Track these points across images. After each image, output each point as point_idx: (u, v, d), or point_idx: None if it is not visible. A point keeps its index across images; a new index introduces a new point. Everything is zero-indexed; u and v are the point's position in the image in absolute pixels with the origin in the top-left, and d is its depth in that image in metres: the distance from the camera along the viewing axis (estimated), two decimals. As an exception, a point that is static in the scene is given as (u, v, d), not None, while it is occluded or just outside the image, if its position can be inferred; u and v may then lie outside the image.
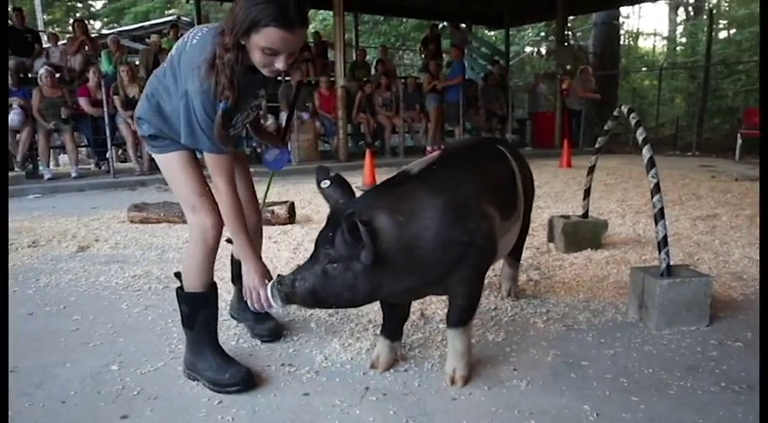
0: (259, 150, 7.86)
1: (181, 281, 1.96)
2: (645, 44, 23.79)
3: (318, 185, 1.77)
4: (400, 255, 1.66)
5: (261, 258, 1.90)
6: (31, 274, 3.23)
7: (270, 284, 1.77)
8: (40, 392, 1.88)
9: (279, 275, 1.76)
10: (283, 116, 8.49)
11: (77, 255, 3.68)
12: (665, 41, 22.60)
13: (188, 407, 1.78)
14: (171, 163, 1.86)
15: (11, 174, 7.43)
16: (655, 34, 23.77)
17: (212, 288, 1.94)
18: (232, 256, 2.32)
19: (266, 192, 2.48)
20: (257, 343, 2.25)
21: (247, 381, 1.87)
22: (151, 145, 1.89)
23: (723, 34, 18.09)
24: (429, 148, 9.58)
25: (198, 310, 1.92)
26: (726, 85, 14.51)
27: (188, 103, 1.67)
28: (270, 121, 8.21)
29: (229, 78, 1.61)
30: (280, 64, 1.63)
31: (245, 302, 2.28)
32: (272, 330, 2.28)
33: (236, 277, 2.30)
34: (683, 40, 20.49)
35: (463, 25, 13.39)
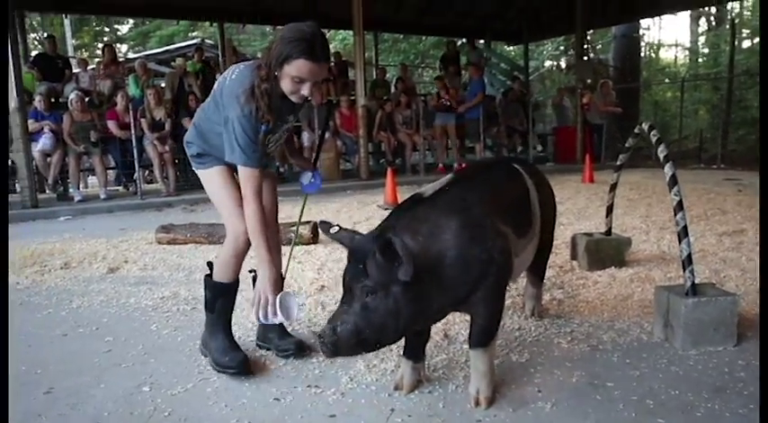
0: (282, 170, 7.99)
1: (211, 270, 2.27)
2: (666, 55, 23.63)
3: (328, 234, 1.80)
4: (429, 273, 1.70)
5: (278, 268, 2.11)
6: (64, 296, 3.33)
7: (279, 296, 1.89)
8: (75, 413, 1.94)
9: (316, 333, 1.75)
10: (305, 136, 8.62)
11: (108, 276, 3.78)
12: (686, 52, 22.43)
13: (218, 428, 1.82)
14: (212, 177, 2.19)
15: (42, 196, 7.67)
16: (676, 45, 23.62)
17: (235, 282, 2.24)
18: (254, 280, 2.35)
19: (302, 211, 2.56)
20: (284, 364, 2.29)
21: (243, 365, 2.15)
22: (197, 162, 2.22)
23: (747, 43, 17.86)
24: (441, 166, 9.63)
25: (219, 296, 2.24)
26: (750, 95, 14.28)
27: (230, 127, 1.96)
28: (306, 137, 8.38)
29: (267, 104, 1.94)
30: (305, 91, 1.95)
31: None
32: (296, 344, 2.34)
33: None
34: (706, 50, 20.29)
35: (482, 42, 13.48)
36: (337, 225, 1.83)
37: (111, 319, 2.93)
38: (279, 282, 2.00)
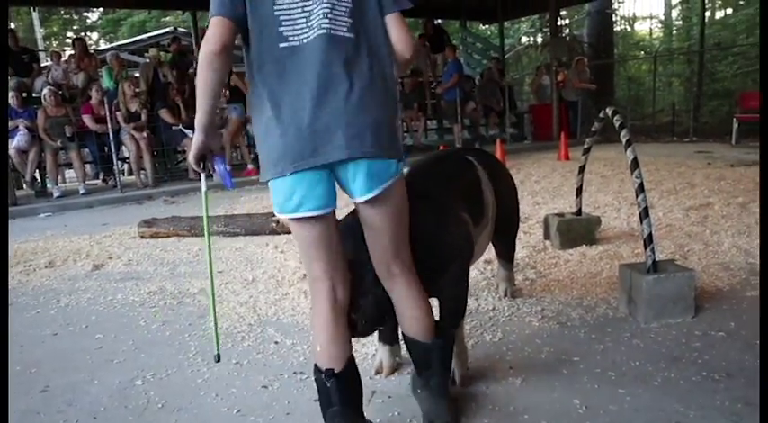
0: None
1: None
2: (641, 28, 23.81)
3: None
4: None
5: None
6: (51, 295, 3.39)
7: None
8: (72, 409, 2.04)
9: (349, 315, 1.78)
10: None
11: (93, 273, 3.84)
12: (661, 25, 22.62)
13: (209, 418, 1.93)
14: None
15: (21, 193, 7.63)
16: (651, 18, 23.81)
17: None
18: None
19: (205, 209, 1.93)
20: (271, 353, 2.40)
21: None
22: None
23: (719, 14, 18.11)
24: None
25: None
26: (722, 67, 14.54)
27: None
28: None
29: None
30: None
31: None
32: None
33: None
34: (679, 22, 20.50)
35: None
36: None
37: (100, 315, 3.01)
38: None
